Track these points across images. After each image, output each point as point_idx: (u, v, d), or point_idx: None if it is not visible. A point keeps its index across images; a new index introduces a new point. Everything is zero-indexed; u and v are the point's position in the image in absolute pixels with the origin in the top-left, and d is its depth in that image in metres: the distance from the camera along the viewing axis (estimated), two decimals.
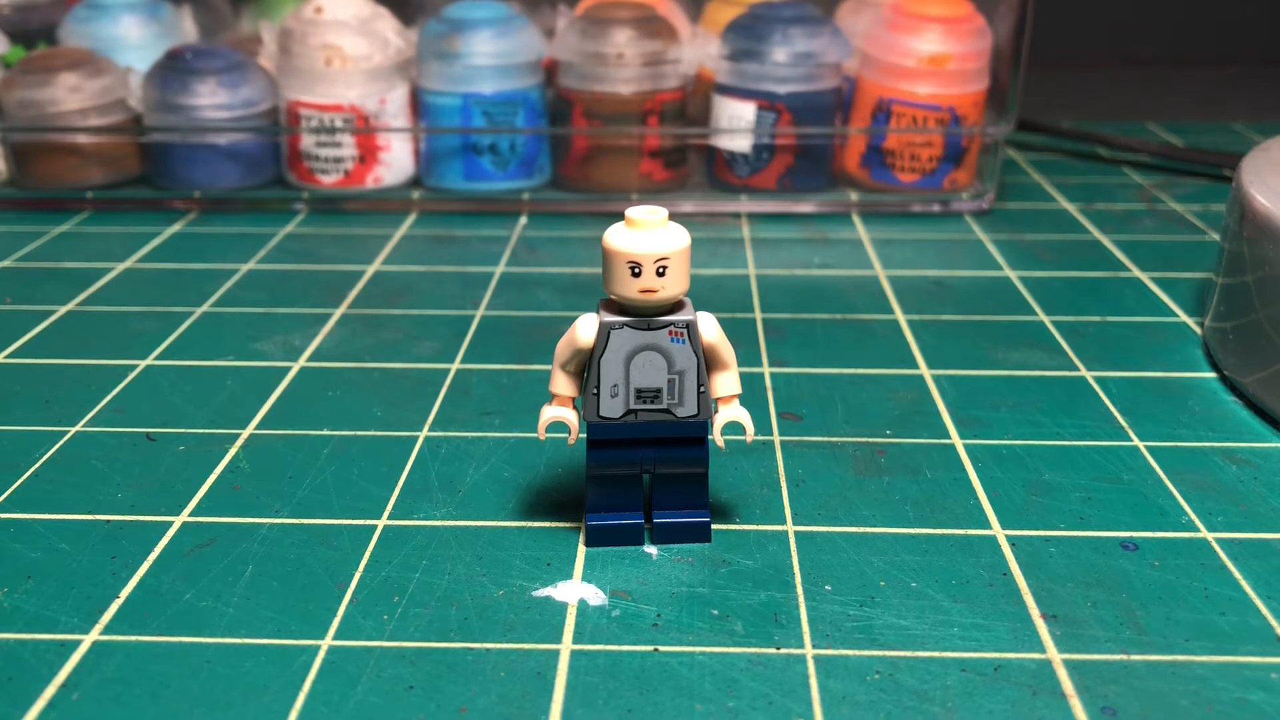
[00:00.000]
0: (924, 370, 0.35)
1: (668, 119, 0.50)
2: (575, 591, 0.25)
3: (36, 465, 0.30)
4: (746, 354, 0.36)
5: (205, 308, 0.40)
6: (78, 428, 0.32)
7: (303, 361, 0.36)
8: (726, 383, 0.26)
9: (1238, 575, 0.25)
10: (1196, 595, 0.25)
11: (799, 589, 0.25)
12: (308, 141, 0.49)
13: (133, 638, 0.23)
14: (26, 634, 0.23)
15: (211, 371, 0.35)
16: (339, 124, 0.49)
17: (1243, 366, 0.33)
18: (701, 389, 0.25)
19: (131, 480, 0.29)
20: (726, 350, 0.26)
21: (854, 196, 0.51)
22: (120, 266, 0.44)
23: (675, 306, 0.25)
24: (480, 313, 0.40)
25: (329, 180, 0.50)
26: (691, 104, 0.51)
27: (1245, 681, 0.22)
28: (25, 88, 0.49)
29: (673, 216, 0.25)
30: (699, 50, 0.50)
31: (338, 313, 0.39)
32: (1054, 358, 0.36)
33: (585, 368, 0.25)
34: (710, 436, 0.26)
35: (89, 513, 0.28)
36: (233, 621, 0.24)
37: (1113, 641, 0.23)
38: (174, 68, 0.49)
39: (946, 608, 0.24)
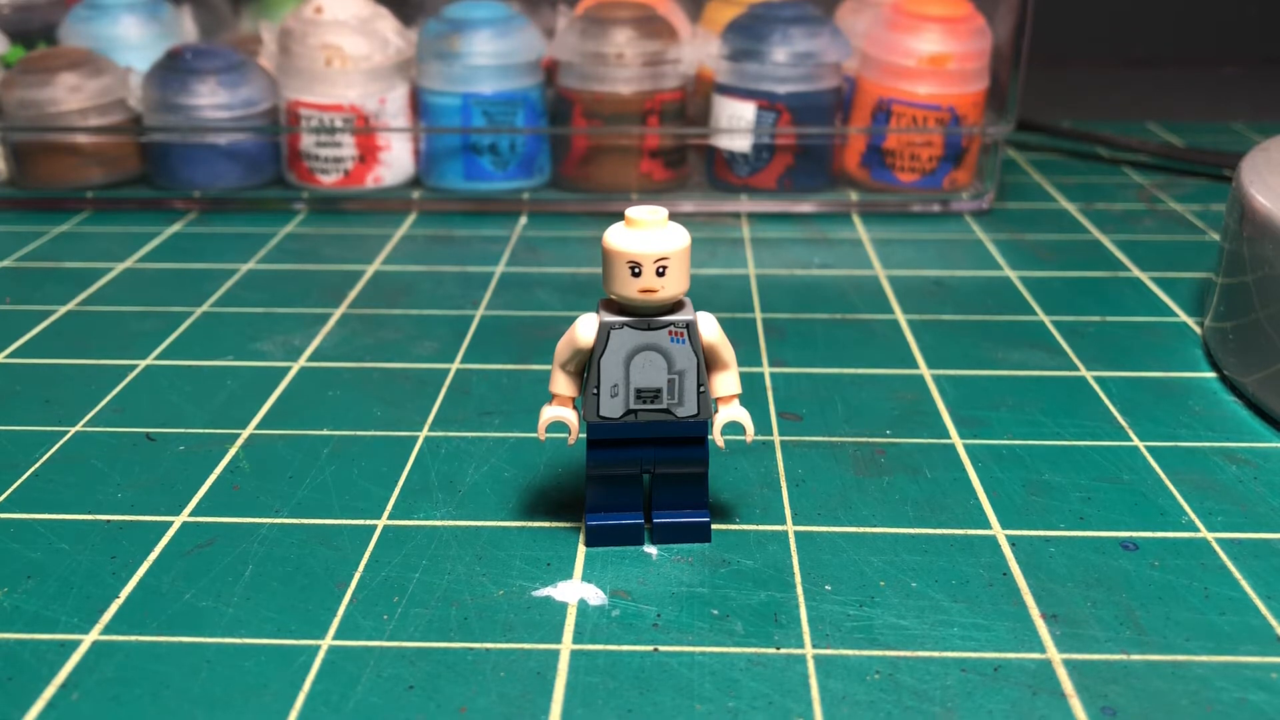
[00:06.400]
0: (924, 370, 0.35)
1: (668, 119, 0.50)
2: (575, 591, 0.25)
3: (36, 465, 0.30)
4: (746, 354, 0.36)
5: (205, 308, 0.40)
6: (78, 428, 0.32)
7: (303, 361, 0.36)
8: (726, 382, 0.26)
9: (1238, 575, 0.25)
10: (1196, 595, 0.25)
11: (799, 589, 0.25)
12: (308, 141, 0.49)
13: (133, 638, 0.23)
14: (26, 634, 0.23)
15: (211, 371, 0.35)
16: (339, 124, 0.49)
17: (1243, 366, 0.33)
18: (701, 389, 0.25)
19: (131, 480, 0.29)
20: (726, 350, 0.26)
21: (854, 196, 0.51)
22: (120, 266, 0.44)
23: (675, 306, 0.25)
24: (480, 313, 0.40)
25: (329, 180, 0.50)
26: (691, 104, 0.51)
27: (1245, 681, 0.22)
28: (25, 88, 0.49)
29: (673, 216, 0.25)
30: (699, 50, 0.50)
31: (338, 313, 0.39)
32: (1054, 358, 0.36)
33: (585, 368, 0.25)
34: (710, 436, 0.26)
35: (89, 513, 0.28)
36: (233, 621, 0.24)
37: (1113, 641, 0.23)
38: (174, 68, 0.49)
39: (946, 608, 0.24)
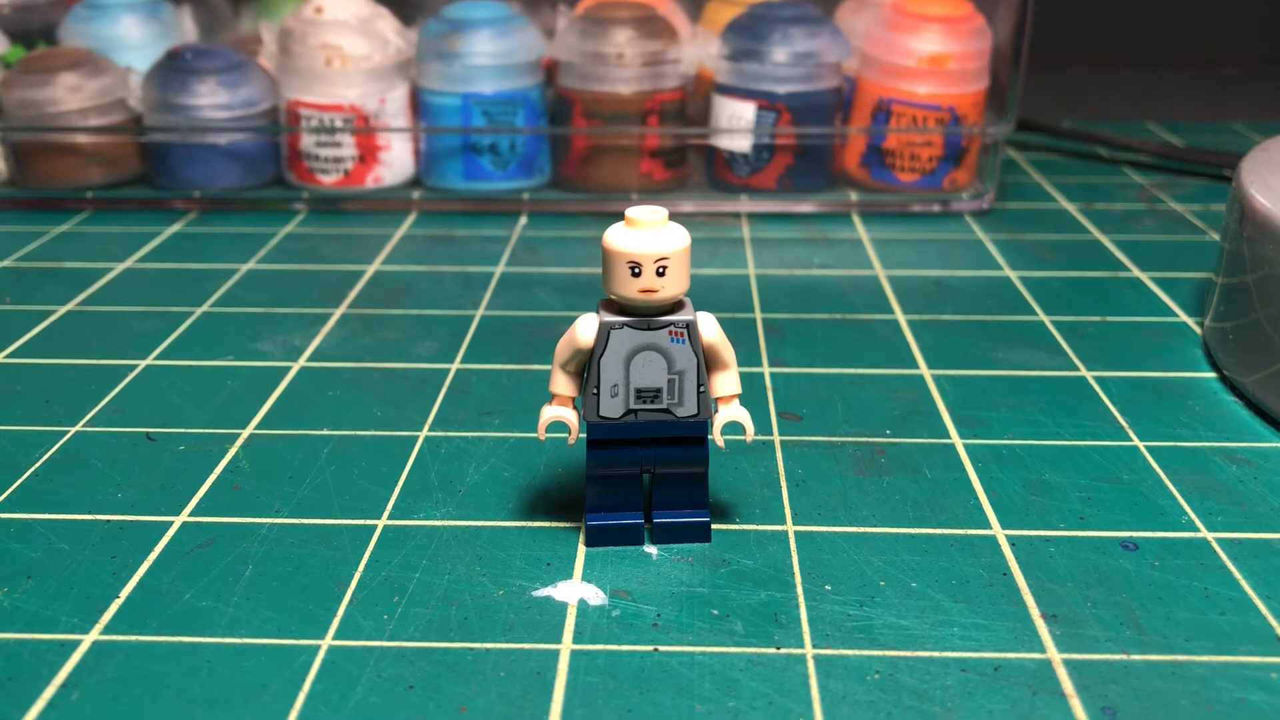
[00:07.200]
0: (924, 370, 0.35)
1: (668, 119, 0.50)
2: (575, 591, 0.25)
3: (36, 465, 0.30)
4: (746, 354, 0.36)
5: (205, 308, 0.40)
6: (78, 428, 0.32)
7: (303, 361, 0.36)
8: (726, 382, 0.26)
9: (1238, 575, 0.25)
10: (1196, 595, 0.25)
11: (799, 589, 0.25)
12: (308, 141, 0.49)
13: (133, 638, 0.23)
14: (26, 634, 0.23)
15: (211, 371, 0.35)
16: (339, 124, 0.49)
17: (1243, 366, 0.33)
18: (701, 389, 0.25)
19: (131, 480, 0.29)
20: (726, 350, 0.26)
21: (854, 196, 0.51)
22: (120, 266, 0.44)
23: (675, 306, 0.25)
24: (480, 313, 0.40)
25: (329, 180, 0.50)
26: (691, 104, 0.51)
27: (1245, 681, 0.22)
28: (25, 88, 0.49)
29: (673, 216, 0.25)
30: (699, 50, 0.50)
31: (338, 313, 0.39)
32: (1054, 358, 0.36)
33: (585, 368, 0.25)
34: (710, 436, 0.26)
35: (89, 513, 0.28)
36: (233, 621, 0.24)
37: (1113, 641, 0.23)
38: (174, 68, 0.49)
39: (946, 608, 0.24)
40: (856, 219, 0.50)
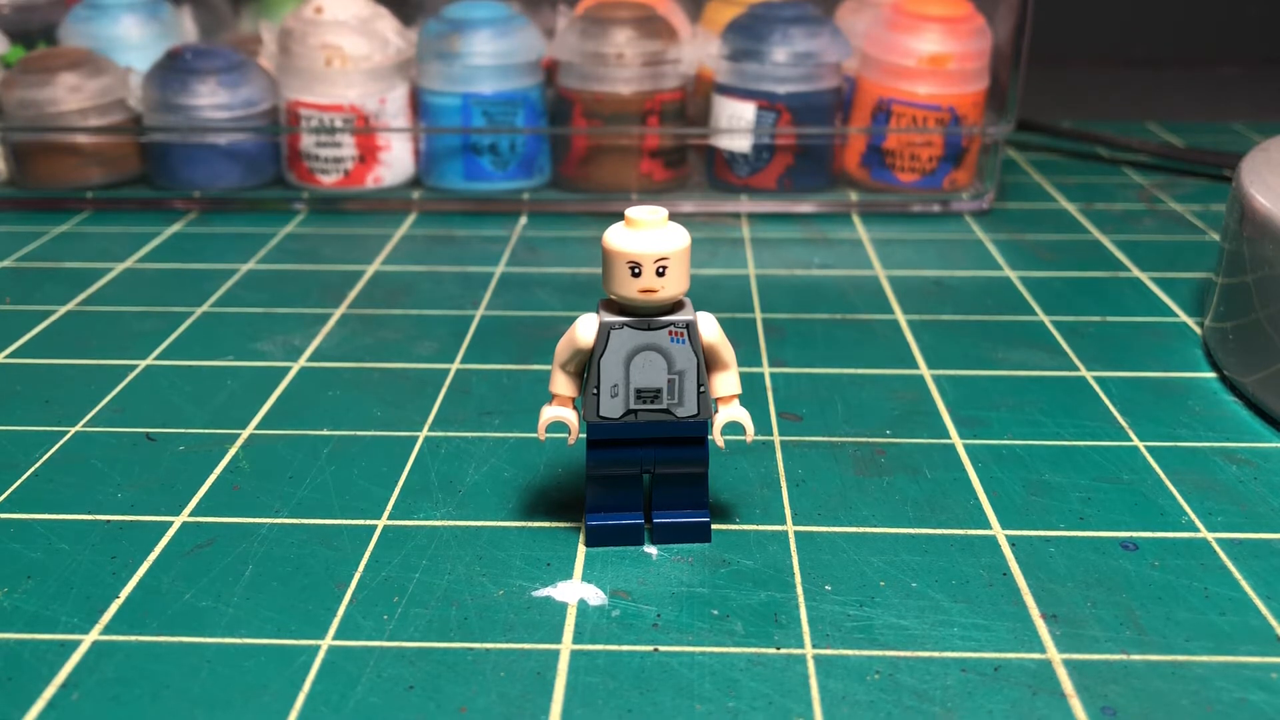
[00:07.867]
0: (924, 370, 0.35)
1: (668, 119, 0.50)
2: (575, 591, 0.25)
3: (36, 465, 0.30)
4: (746, 354, 0.36)
5: (205, 308, 0.40)
6: (78, 428, 0.32)
7: (303, 361, 0.36)
8: (726, 383, 0.26)
9: (1238, 575, 0.25)
10: (1196, 595, 0.25)
11: (799, 589, 0.25)
12: (308, 141, 0.49)
13: (133, 638, 0.23)
14: (26, 634, 0.23)
15: (211, 371, 0.35)
16: (339, 124, 0.49)
17: (1243, 366, 0.33)
18: (701, 389, 0.25)
19: (131, 480, 0.29)
20: (726, 350, 0.26)
21: (854, 196, 0.51)
22: (120, 266, 0.44)
23: (675, 306, 0.25)
24: (480, 313, 0.40)
25: (329, 180, 0.50)
26: (691, 104, 0.51)
27: (1245, 681, 0.22)
28: (25, 88, 0.49)
29: (673, 216, 0.25)
30: (699, 50, 0.50)
31: (338, 313, 0.39)
32: (1054, 358, 0.36)
33: (585, 368, 0.25)
34: (710, 436, 0.26)
35: (89, 513, 0.28)
36: (233, 621, 0.24)
37: (1113, 641, 0.23)
38: (174, 68, 0.49)
39: (946, 608, 0.24)
40: (856, 219, 0.50)
